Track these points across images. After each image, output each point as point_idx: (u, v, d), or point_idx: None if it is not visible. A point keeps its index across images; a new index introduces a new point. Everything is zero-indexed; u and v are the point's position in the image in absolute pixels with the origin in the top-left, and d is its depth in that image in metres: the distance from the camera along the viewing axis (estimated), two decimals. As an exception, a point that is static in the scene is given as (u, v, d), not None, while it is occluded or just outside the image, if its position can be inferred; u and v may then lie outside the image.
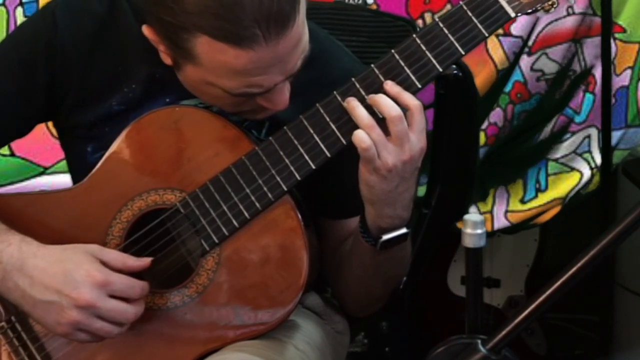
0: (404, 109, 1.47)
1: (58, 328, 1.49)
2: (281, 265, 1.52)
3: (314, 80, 1.62)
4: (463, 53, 1.47)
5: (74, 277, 1.47)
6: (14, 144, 2.43)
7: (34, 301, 1.49)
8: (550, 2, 1.47)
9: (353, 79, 1.48)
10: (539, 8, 1.47)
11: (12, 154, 2.46)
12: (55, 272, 1.48)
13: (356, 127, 1.48)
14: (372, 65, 1.49)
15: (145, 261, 1.52)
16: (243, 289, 1.53)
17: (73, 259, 1.50)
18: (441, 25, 1.47)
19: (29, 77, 1.62)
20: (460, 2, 1.47)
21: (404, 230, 1.55)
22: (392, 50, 1.48)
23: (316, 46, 1.65)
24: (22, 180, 2.47)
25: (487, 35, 1.47)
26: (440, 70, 1.47)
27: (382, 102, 1.46)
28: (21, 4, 2.43)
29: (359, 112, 1.47)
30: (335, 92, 1.49)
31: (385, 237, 1.54)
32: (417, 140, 1.46)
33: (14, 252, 1.51)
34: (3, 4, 2.42)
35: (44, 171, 2.48)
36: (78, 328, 1.48)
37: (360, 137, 1.45)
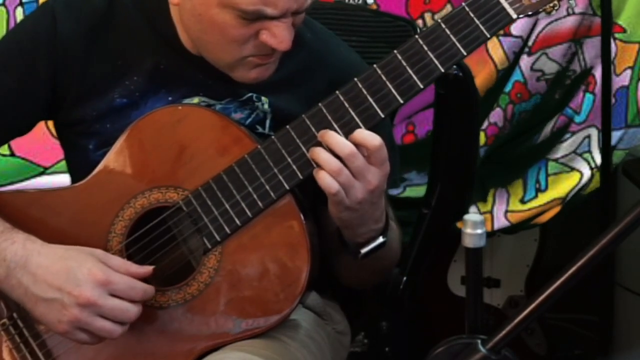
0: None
1: (59, 326, 1.49)
2: (283, 264, 1.52)
3: (311, 67, 1.64)
4: (465, 54, 1.48)
5: (76, 275, 1.48)
6: (14, 144, 2.43)
7: (36, 299, 1.49)
8: (552, 4, 1.47)
9: (356, 79, 1.49)
10: (541, 10, 1.48)
11: (12, 154, 2.46)
12: (58, 270, 1.49)
13: (359, 126, 1.48)
14: (375, 66, 1.49)
15: (148, 269, 1.52)
16: (244, 288, 1.53)
17: (76, 257, 1.50)
18: (443, 26, 1.48)
19: (30, 73, 1.63)
20: (463, 4, 1.47)
21: (380, 240, 1.57)
22: (395, 51, 1.49)
23: (312, 35, 1.67)
24: (22, 180, 2.46)
25: (488, 36, 1.47)
26: (442, 70, 1.48)
27: (334, 141, 1.47)
28: (21, 3, 2.43)
29: (324, 157, 1.48)
30: (337, 92, 1.49)
31: (364, 250, 1.57)
32: (379, 168, 1.48)
33: (18, 249, 1.51)
34: (3, 4, 2.42)
35: (44, 171, 2.48)
36: (78, 327, 1.48)
37: (328, 183, 1.47)
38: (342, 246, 1.59)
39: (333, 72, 1.64)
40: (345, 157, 1.46)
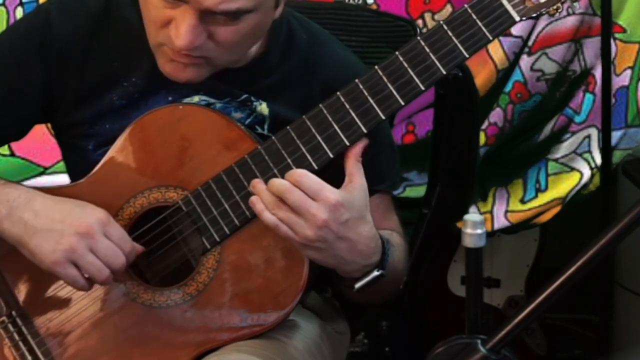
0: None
1: (51, 256, 1.49)
2: (282, 266, 1.52)
3: (305, 70, 1.63)
4: (467, 56, 1.47)
5: (79, 211, 1.51)
6: (14, 144, 2.43)
7: (34, 230, 1.50)
8: (555, 7, 1.47)
9: (357, 80, 1.49)
10: (544, 12, 1.47)
11: (12, 154, 2.46)
12: (62, 207, 1.52)
13: (360, 128, 1.48)
14: (376, 67, 1.49)
15: (140, 247, 1.54)
16: (243, 289, 1.53)
17: (79, 201, 1.53)
18: (445, 28, 1.47)
19: (23, 77, 1.62)
20: (465, 5, 1.47)
21: (375, 274, 1.52)
22: (397, 52, 1.48)
23: (308, 36, 1.66)
24: (22, 180, 2.46)
25: (491, 39, 1.47)
26: (444, 72, 1.47)
27: (264, 190, 1.45)
28: (21, 3, 2.43)
29: (264, 194, 1.46)
30: (338, 93, 1.49)
31: (358, 285, 1.53)
32: (321, 201, 1.43)
33: (21, 193, 1.54)
34: (3, 4, 2.42)
35: (44, 171, 2.48)
36: (71, 259, 1.49)
37: (265, 217, 1.45)
38: (338, 278, 1.56)
39: (327, 74, 1.63)
40: (279, 195, 1.44)
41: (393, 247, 1.58)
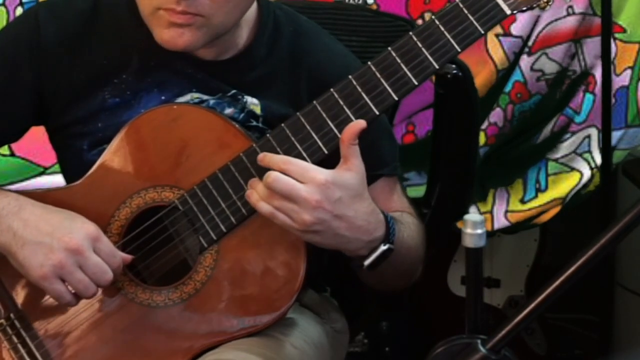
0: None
1: (39, 270, 1.49)
2: (279, 262, 1.52)
3: (292, 62, 1.63)
4: (459, 50, 1.48)
5: (69, 224, 1.50)
6: (14, 144, 2.43)
7: (23, 241, 1.50)
8: (545, 0, 1.47)
9: (350, 77, 1.49)
10: (535, 5, 1.48)
11: (12, 154, 2.46)
12: (51, 218, 1.51)
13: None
14: (369, 63, 1.49)
15: (128, 258, 1.53)
16: (241, 287, 1.53)
17: (70, 212, 1.53)
18: (437, 22, 1.48)
19: (14, 79, 1.63)
20: (457, 0, 1.47)
21: (382, 249, 1.51)
22: (389, 48, 1.49)
23: (295, 28, 1.66)
24: (22, 180, 2.46)
25: (482, 32, 1.47)
26: (437, 67, 1.48)
27: (258, 183, 1.46)
28: (21, 3, 2.43)
29: (257, 187, 1.46)
30: (332, 90, 1.49)
31: (367, 262, 1.51)
32: (310, 183, 1.43)
33: (11, 200, 1.53)
34: (3, 4, 2.42)
35: (44, 171, 2.48)
36: (59, 274, 1.48)
37: (260, 207, 1.46)
38: (348, 259, 1.56)
39: (315, 66, 1.63)
40: (267, 186, 1.44)
41: (402, 225, 1.57)
